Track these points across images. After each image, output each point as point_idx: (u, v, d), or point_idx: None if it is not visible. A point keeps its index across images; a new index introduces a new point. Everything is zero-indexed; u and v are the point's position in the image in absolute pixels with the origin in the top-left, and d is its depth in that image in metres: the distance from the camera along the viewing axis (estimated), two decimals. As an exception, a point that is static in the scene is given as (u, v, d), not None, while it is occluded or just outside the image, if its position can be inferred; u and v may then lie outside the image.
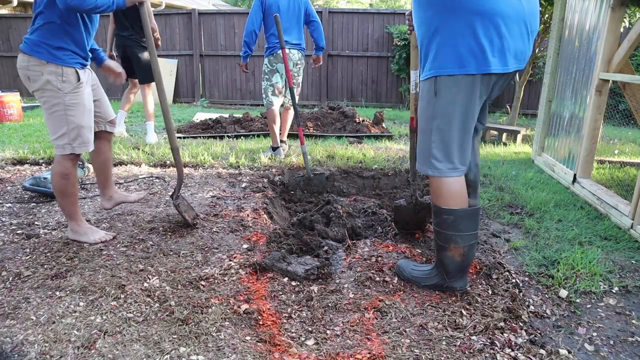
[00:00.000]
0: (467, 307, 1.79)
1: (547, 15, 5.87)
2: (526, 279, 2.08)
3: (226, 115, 6.39)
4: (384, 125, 6.28)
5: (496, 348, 1.54)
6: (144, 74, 4.87)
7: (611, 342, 1.64)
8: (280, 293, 1.90)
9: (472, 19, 1.60)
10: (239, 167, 3.91)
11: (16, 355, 1.45)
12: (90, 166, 3.71)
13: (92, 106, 2.31)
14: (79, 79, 2.20)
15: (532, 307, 1.84)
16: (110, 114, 2.50)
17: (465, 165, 1.80)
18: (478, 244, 2.29)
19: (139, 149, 4.41)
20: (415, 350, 1.53)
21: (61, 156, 2.23)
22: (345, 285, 1.96)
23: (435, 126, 1.75)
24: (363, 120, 6.18)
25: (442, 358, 1.50)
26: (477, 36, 1.61)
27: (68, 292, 1.83)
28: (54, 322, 1.63)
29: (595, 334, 1.69)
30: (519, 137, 5.46)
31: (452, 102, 1.70)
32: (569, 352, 1.56)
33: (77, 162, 2.30)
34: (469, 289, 1.90)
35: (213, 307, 1.74)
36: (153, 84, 5.06)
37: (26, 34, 2.13)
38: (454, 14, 1.62)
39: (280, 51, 3.90)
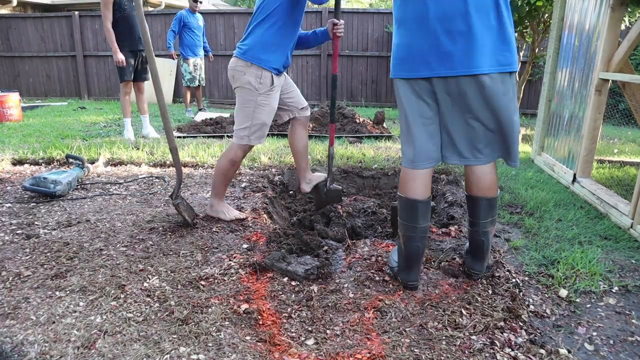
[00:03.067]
0: (467, 306, 1.79)
1: (547, 15, 5.86)
2: (526, 278, 2.08)
3: (226, 115, 6.40)
4: (384, 125, 6.28)
5: (496, 348, 1.54)
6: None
7: (611, 342, 1.64)
8: (280, 293, 1.90)
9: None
10: (238, 167, 3.91)
11: (16, 355, 1.45)
12: (90, 166, 3.71)
13: (276, 107, 2.58)
14: (272, 83, 2.46)
15: (532, 306, 1.84)
16: (301, 102, 2.76)
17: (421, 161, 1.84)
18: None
19: (139, 149, 4.41)
20: (415, 350, 1.53)
21: (237, 145, 2.53)
22: (345, 285, 1.96)
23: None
24: (363, 121, 6.18)
25: (442, 358, 1.50)
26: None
27: (68, 292, 1.83)
28: (54, 322, 1.63)
29: (595, 333, 1.69)
30: (519, 136, 5.45)
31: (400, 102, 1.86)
32: (569, 351, 1.56)
33: (247, 153, 2.61)
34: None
35: (213, 307, 1.75)
36: (143, 83, 5.30)
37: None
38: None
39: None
